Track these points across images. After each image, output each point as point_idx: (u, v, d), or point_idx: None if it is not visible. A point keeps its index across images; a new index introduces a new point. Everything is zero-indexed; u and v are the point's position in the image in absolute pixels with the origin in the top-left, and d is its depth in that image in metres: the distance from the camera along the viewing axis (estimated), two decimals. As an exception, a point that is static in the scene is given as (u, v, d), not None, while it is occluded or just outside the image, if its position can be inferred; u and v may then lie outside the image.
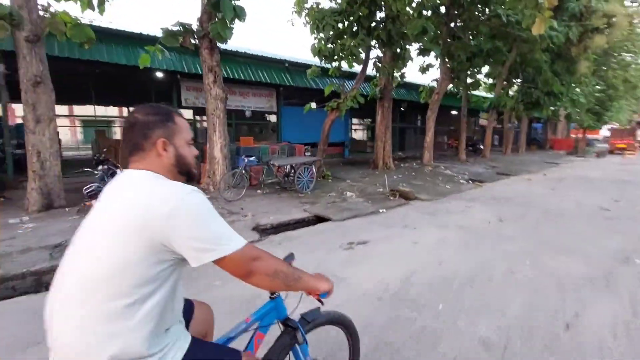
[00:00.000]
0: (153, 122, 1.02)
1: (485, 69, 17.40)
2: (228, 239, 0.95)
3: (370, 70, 10.89)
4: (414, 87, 16.13)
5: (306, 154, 10.15)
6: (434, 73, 13.83)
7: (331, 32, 7.87)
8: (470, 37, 13.13)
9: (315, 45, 8.06)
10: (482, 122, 23.44)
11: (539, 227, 4.98)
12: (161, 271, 0.92)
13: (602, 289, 3.01)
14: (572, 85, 20.71)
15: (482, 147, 18.13)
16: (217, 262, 0.93)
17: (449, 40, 12.14)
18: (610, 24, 12.03)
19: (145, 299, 0.89)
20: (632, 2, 16.80)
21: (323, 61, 8.80)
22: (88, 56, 7.38)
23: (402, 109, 17.68)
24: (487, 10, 11.64)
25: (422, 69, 14.10)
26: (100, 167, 5.60)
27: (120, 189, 0.98)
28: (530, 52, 12.37)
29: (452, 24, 12.28)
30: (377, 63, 9.88)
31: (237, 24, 5.99)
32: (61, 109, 16.84)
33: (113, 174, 5.38)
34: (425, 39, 10.39)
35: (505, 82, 18.76)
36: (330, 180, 9.11)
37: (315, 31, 8.06)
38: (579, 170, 12.72)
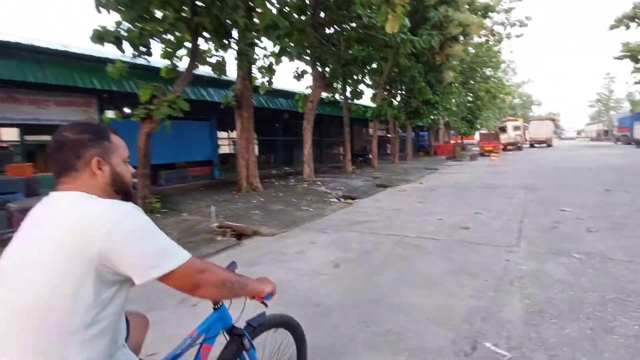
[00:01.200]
0: (86, 140, 0.99)
1: (369, 78, 17.24)
2: (172, 253, 0.93)
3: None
4: (292, 96, 14.82)
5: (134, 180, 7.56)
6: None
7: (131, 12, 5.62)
8: (339, 42, 12.34)
9: (101, 28, 5.68)
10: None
11: (376, 277, 3.49)
12: (105, 295, 0.88)
13: None
14: (446, 95, 22.23)
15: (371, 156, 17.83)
16: (164, 278, 0.90)
17: (317, 45, 11.04)
18: (466, 32, 12.61)
19: (90, 326, 0.85)
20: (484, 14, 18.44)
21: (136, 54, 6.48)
22: None
23: (286, 118, 16.24)
24: (349, 11, 10.86)
25: (296, 76, 12.81)
26: None
27: (51, 212, 0.93)
28: (396, 55, 12.06)
29: (321, 28, 11.26)
30: (221, 63, 7.93)
31: None
32: None
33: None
34: (280, 36, 8.93)
35: (386, 92, 18.99)
36: (159, 215, 6.72)
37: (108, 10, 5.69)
38: (452, 176, 12.81)
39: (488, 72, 32.19)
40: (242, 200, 8.30)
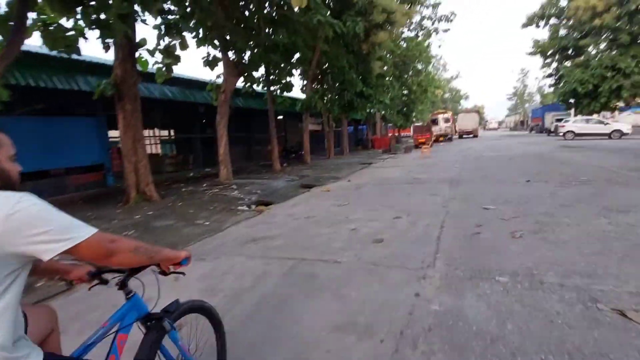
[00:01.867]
0: None
1: (298, 68, 16.03)
2: (78, 226, 0.96)
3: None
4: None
5: None
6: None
7: None
8: (260, 27, 10.93)
9: None
10: (311, 126, 22.75)
11: (230, 343, 2.29)
12: (4, 279, 0.91)
13: None
14: (379, 88, 21.98)
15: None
16: (73, 250, 0.93)
17: (229, 27, 9.51)
18: (391, 20, 12.04)
19: None
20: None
21: None
22: None
23: (203, 112, 14.40)
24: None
25: (207, 62, 11.11)
26: None
27: None
28: (318, 40, 10.97)
29: (233, 7, 9.73)
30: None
31: None
32: None
33: None
34: (165, 10, 7.27)
35: (317, 83, 18.02)
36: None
37: None
38: (383, 171, 12.23)
39: (420, 66, 33.12)
40: (123, 216, 6.59)
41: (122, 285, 1.32)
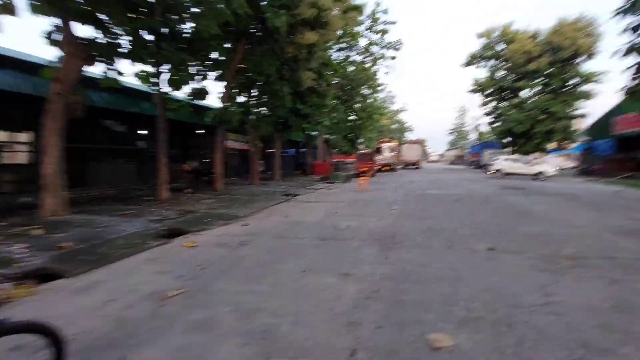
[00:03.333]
0: None
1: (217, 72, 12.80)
2: None
3: None
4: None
5: None
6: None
7: None
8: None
9: None
10: (232, 143, 19.40)
11: None
12: None
13: None
14: (321, 108, 19.58)
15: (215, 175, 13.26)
16: None
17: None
18: (321, 18, 9.60)
19: None
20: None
21: None
22: None
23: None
24: None
25: (46, 37, 7.40)
26: None
27: None
28: (207, 26, 7.92)
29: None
30: None
31: None
32: None
33: None
34: None
35: (240, 92, 14.95)
36: None
37: None
38: (303, 209, 9.23)
39: (366, 91, 31.98)
40: None
41: None
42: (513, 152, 30.67)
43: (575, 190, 14.65)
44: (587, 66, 25.50)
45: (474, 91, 32.93)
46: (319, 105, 17.42)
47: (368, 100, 31.11)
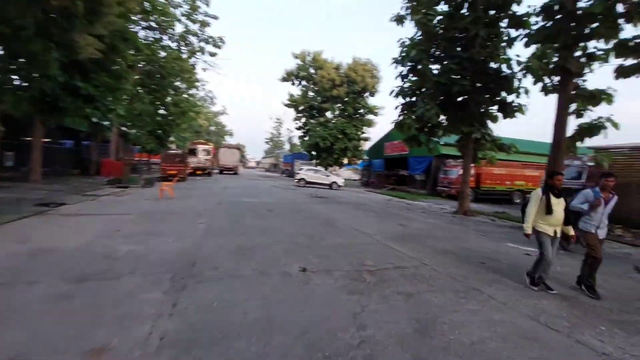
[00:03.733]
0: None
1: None
2: None
3: None
4: None
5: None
6: None
7: None
8: None
9: None
10: None
11: None
12: None
13: None
14: (117, 92, 15.41)
15: None
16: None
17: None
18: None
19: None
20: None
21: None
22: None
23: None
24: None
25: None
26: None
27: None
28: None
29: None
30: None
31: None
32: None
33: None
34: None
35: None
36: None
37: None
38: (56, 231, 6.32)
39: (180, 84, 28.58)
40: None
41: None
42: (317, 164, 34.93)
43: (361, 199, 17.65)
44: (371, 100, 32.40)
45: (289, 105, 35.54)
46: (111, 87, 13.58)
47: (184, 95, 27.90)
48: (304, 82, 35.35)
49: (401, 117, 14.79)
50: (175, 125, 31.56)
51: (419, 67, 12.84)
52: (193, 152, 28.41)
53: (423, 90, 13.90)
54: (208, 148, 29.48)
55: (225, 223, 7.75)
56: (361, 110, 32.25)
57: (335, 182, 24.54)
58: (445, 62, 12.74)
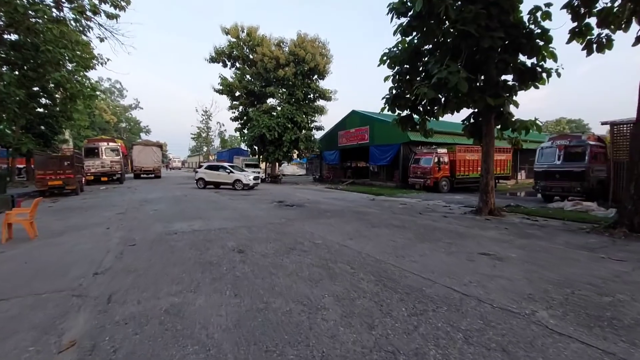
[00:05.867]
0: None
1: None
2: None
3: None
4: None
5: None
6: None
7: None
8: None
9: None
10: None
11: None
12: None
13: None
14: None
15: None
16: None
17: None
18: None
19: None
20: None
21: None
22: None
23: None
24: None
25: None
26: None
27: None
28: None
29: None
30: None
31: None
32: None
33: None
34: None
35: None
36: None
37: None
38: None
39: (68, 64, 20.64)
40: None
41: None
42: (262, 160, 29.63)
43: (340, 200, 13.41)
44: (321, 84, 28.11)
45: (221, 92, 29.40)
46: None
47: (67, 73, 20.13)
48: (238, 64, 29.54)
49: (394, 91, 10.94)
50: (66, 119, 23.33)
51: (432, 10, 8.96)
52: (93, 153, 20.96)
53: (430, 47, 10.19)
54: (115, 146, 22.13)
55: (121, 309, 2.75)
56: (310, 95, 27.87)
57: (239, 181, 19.04)
58: (468, 5, 9.09)
